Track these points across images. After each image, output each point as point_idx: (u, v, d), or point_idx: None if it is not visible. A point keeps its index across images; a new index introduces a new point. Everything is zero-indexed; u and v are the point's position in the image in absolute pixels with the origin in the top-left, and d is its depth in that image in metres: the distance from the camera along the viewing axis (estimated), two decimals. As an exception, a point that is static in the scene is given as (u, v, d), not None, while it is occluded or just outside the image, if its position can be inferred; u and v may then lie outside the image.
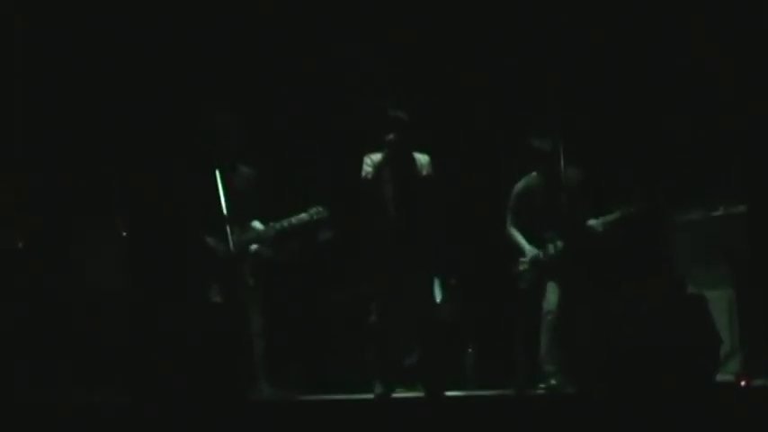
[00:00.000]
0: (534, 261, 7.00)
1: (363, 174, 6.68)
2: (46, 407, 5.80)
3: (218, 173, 6.94)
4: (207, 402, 5.80)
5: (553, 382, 6.72)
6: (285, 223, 7.02)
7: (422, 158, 6.76)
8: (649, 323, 5.62)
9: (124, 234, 7.71)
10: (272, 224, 7.02)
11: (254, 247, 7.05)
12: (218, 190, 6.90)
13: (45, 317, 7.34)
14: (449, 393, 6.91)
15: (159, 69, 8.33)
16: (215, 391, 5.89)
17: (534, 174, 7.09)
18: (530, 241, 7.05)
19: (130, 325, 6.58)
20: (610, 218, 6.85)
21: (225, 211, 6.88)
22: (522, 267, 7.06)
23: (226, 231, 6.87)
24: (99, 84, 8.26)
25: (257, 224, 7.06)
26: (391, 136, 6.60)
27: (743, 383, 6.26)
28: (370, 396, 6.73)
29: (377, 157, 6.66)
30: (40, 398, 6.48)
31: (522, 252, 7.06)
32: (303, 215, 7.01)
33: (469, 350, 7.70)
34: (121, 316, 7.20)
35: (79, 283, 7.56)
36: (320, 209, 7.02)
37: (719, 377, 5.98)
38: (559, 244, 6.88)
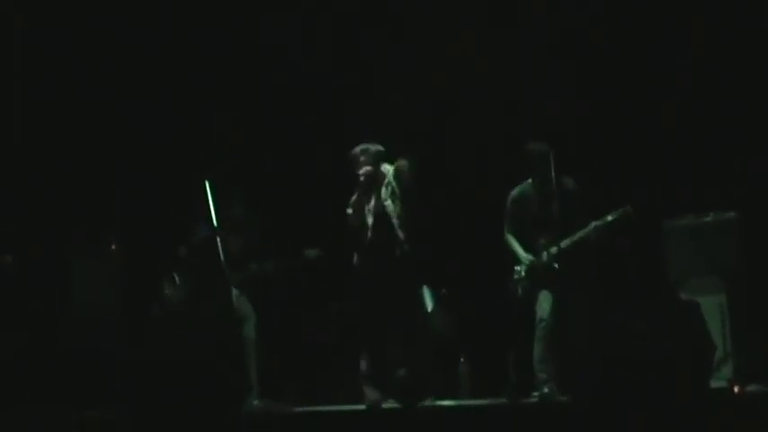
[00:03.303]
0: (529, 268, 7.00)
1: (348, 217, 7.01)
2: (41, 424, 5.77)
3: (207, 185, 6.95)
4: (201, 415, 5.78)
5: (546, 390, 6.68)
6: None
7: (402, 165, 6.88)
8: (642, 330, 5.60)
9: (114, 248, 7.70)
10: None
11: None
12: (207, 202, 6.92)
13: (41, 336, 7.33)
14: (442, 403, 6.91)
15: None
16: (209, 404, 5.88)
17: (530, 181, 7.10)
18: (525, 248, 7.05)
19: (124, 341, 6.58)
20: (577, 236, 6.86)
21: (215, 224, 6.90)
22: (516, 275, 7.06)
23: (217, 245, 6.88)
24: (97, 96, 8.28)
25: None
26: (360, 173, 6.94)
27: (736, 389, 6.25)
28: (362, 407, 6.71)
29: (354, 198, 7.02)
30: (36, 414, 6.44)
31: (517, 259, 7.06)
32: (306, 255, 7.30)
33: (462, 360, 7.67)
34: (115, 332, 7.20)
35: (74, 300, 7.55)
36: (316, 252, 7.32)
37: (712, 383, 5.97)
38: (553, 251, 6.87)
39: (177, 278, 7.25)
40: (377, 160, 6.96)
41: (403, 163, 6.92)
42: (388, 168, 6.97)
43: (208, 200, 6.93)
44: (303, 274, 7.52)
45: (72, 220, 8.06)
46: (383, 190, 6.92)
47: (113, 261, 7.73)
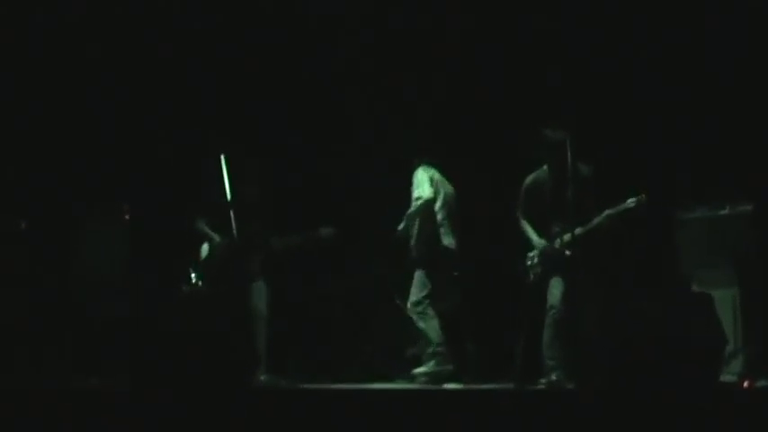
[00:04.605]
0: (541, 254, 6.98)
1: None
2: (47, 392, 5.78)
3: (223, 159, 6.95)
4: (207, 389, 5.78)
5: (554, 377, 6.68)
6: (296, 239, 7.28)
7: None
8: (652, 321, 5.59)
9: (127, 218, 7.70)
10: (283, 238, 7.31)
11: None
12: (222, 176, 6.92)
13: (47, 301, 7.34)
14: (448, 386, 6.91)
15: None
16: (216, 378, 5.88)
17: (545, 167, 7.07)
18: (539, 234, 7.03)
19: (131, 310, 6.58)
20: (591, 224, 6.82)
21: (229, 198, 6.90)
22: (529, 261, 7.04)
23: (230, 218, 6.89)
24: (113, 72, 8.26)
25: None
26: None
27: (746, 385, 6.22)
28: (368, 385, 6.74)
29: None
30: (41, 383, 6.46)
31: (530, 244, 7.04)
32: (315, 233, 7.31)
33: (470, 343, 7.66)
34: (122, 301, 7.20)
35: (81, 267, 7.55)
36: (331, 230, 7.33)
37: (723, 377, 5.95)
38: (566, 238, 6.84)
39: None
40: None
41: None
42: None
43: (223, 174, 6.95)
44: (316, 251, 7.52)
45: (86, 186, 8.06)
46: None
47: (125, 227, 7.72)
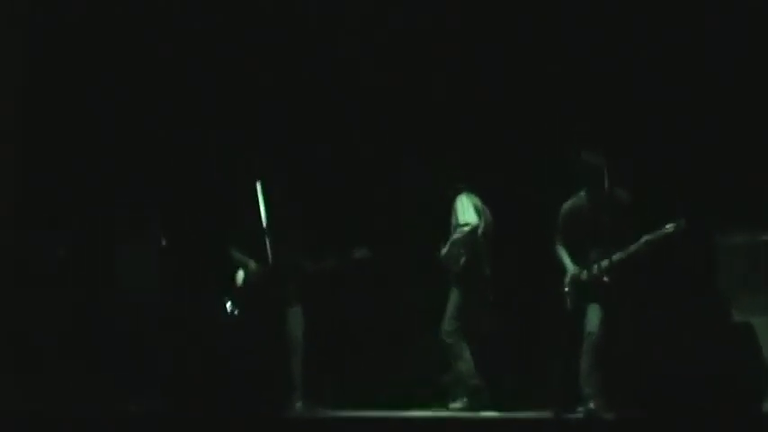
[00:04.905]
0: (576, 281, 6.91)
1: None
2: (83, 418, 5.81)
3: (258, 184, 6.99)
4: (243, 417, 5.78)
5: (592, 405, 6.60)
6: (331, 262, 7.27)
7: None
8: (692, 349, 5.51)
9: (164, 244, 7.74)
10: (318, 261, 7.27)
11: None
12: (258, 201, 6.95)
13: (86, 326, 7.39)
14: (484, 414, 6.86)
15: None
16: (252, 406, 5.88)
17: (582, 193, 7.02)
18: (575, 261, 6.97)
19: (167, 337, 6.61)
20: (629, 250, 6.74)
21: (264, 223, 6.93)
22: (565, 288, 6.98)
23: (265, 243, 6.91)
24: (143, 95, 8.32)
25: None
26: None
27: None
28: (408, 413, 6.67)
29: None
30: (77, 409, 6.49)
31: (566, 271, 6.99)
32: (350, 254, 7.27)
33: (507, 371, 7.60)
34: (159, 327, 7.23)
35: (119, 293, 7.60)
36: (365, 250, 7.27)
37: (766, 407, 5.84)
38: (604, 264, 6.77)
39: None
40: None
41: None
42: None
43: (259, 200, 6.98)
44: (352, 272, 7.50)
45: (121, 209, 8.11)
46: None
47: (160, 253, 7.77)
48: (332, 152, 8.36)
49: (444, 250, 7.34)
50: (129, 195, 8.09)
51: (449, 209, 7.43)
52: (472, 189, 7.44)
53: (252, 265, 7.29)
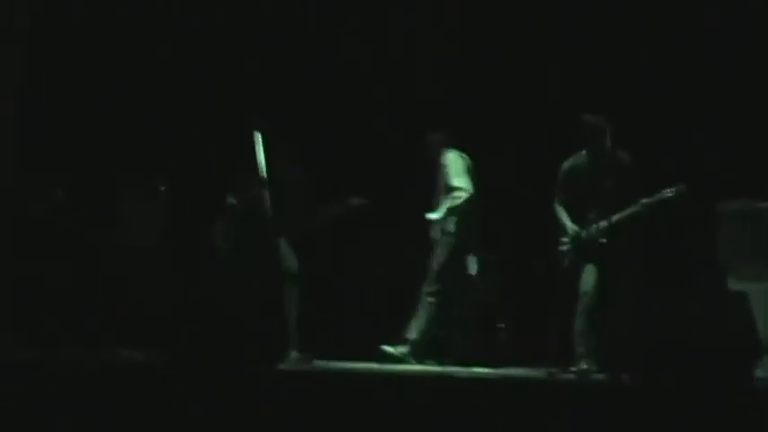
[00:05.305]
0: (575, 241, 6.92)
1: None
2: (81, 364, 5.84)
3: (258, 135, 6.95)
4: (238, 369, 5.79)
5: (584, 365, 6.64)
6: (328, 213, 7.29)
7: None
8: (685, 315, 5.52)
9: (163, 190, 7.74)
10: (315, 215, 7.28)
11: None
12: (256, 151, 6.92)
13: (84, 273, 7.41)
14: (478, 370, 6.90)
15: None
16: (247, 357, 5.88)
17: (583, 152, 6.99)
18: (574, 220, 6.97)
19: (166, 285, 6.62)
20: (628, 212, 6.73)
21: (264, 174, 6.90)
22: (562, 247, 6.98)
23: (264, 194, 6.89)
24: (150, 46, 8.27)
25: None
26: None
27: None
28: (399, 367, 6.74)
29: None
30: (77, 355, 6.52)
31: (564, 230, 6.99)
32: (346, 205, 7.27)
33: (502, 327, 7.64)
34: (158, 275, 7.25)
35: (119, 239, 7.60)
36: (361, 200, 7.25)
37: (758, 376, 5.86)
38: (602, 226, 6.77)
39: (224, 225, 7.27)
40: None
41: None
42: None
43: (257, 151, 6.95)
44: (347, 223, 7.50)
45: (122, 157, 8.10)
46: None
47: (160, 201, 7.77)
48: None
49: (436, 215, 7.32)
50: (129, 139, 8.08)
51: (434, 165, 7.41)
52: (462, 149, 7.42)
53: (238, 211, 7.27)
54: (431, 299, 7.32)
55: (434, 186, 7.47)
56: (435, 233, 7.42)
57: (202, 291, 6.17)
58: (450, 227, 7.33)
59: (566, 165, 7.08)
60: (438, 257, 7.38)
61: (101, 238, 7.55)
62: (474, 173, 7.41)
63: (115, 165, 7.93)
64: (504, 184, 7.84)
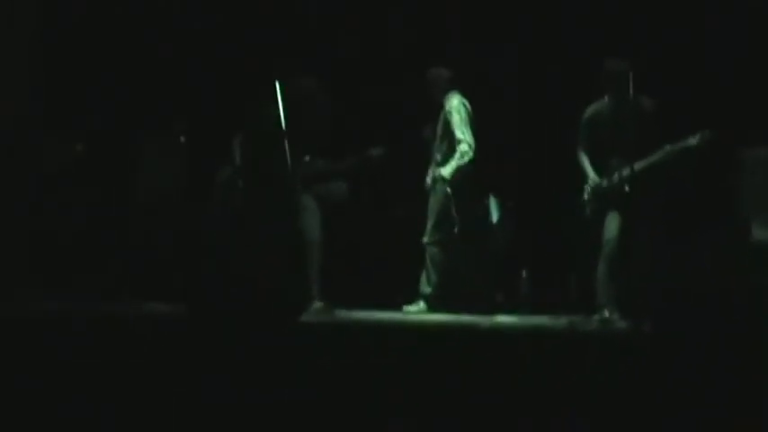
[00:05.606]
0: (596, 189, 6.85)
1: None
2: (99, 317, 5.88)
3: (277, 85, 6.89)
4: (262, 319, 5.80)
5: (606, 314, 6.62)
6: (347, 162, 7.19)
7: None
8: (710, 267, 5.47)
9: (183, 140, 7.73)
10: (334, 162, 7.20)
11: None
12: (277, 103, 6.87)
13: (103, 224, 7.44)
14: (500, 318, 6.90)
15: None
16: (268, 308, 5.89)
17: (606, 98, 6.89)
18: (596, 167, 6.89)
19: (185, 234, 6.63)
20: (652, 159, 6.63)
21: (283, 125, 6.86)
22: (585, 195, 6.92)
23: (284, 146, 6.86)
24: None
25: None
26: None
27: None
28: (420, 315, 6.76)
29: None
30: (95, 308, 6.57)
31: (586, 178, 6.92)
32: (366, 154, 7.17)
33: (523, 274, 7.62)
34: (177, 225, 7.27)
35: (140, 192, 7.62)
36: (381, 149, 7.14)
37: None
38: (625, 173, 6.69)
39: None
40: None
41: None
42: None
43: (278, 100, 6.90)
44: (367, 172, 7.45)
45: (143, 109, 8.08)
46: None
47: (181, 151, 7.76)
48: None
49: (444, 171, 7.25)
50: (148, 92, 8.05)
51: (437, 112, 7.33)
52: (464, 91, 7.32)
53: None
54: (433, 249, 7.30)
55: (433, 129, 7.40)
56: (428, 180, 7.39)
57: (219, 243, 6.17)
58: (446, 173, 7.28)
59: (587, 111, 6.98)
60: (433, 206, 7.34)
61: (121, 190, 7.57)
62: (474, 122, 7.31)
63: (133, 118, 7.90)
64: (526, 129, 7.74)
